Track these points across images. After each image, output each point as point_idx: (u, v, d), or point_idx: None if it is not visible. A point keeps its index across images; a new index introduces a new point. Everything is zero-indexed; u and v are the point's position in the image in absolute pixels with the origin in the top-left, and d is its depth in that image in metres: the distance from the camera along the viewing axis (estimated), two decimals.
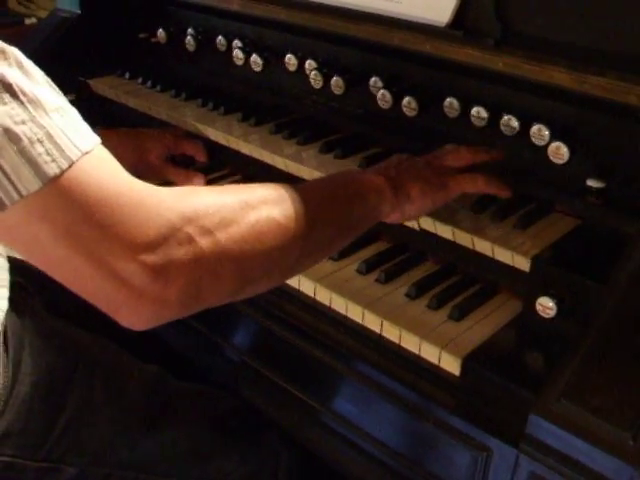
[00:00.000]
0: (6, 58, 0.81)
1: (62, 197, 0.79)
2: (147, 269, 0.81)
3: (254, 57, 1.71)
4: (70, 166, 0.80)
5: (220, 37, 1.81)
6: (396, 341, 1.18)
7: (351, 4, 1.49)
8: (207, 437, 1.41)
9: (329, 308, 1.27)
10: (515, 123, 1.30)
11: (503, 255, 1.19)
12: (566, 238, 1.22)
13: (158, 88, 1.87)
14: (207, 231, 0.86)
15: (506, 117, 1.31)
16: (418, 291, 1.25)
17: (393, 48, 1.45)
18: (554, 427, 0.90)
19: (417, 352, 1.16)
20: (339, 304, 1.26)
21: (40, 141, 0.79)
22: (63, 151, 0.80)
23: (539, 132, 1.27)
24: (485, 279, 1.29)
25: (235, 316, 1.41)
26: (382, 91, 1.48)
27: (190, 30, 1.89)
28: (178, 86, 1.84)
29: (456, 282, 1.30)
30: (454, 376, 1.12)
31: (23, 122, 0.79)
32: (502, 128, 1.32)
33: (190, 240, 0.84)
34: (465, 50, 1.34)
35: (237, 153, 1.58)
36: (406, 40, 1.42)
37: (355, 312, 1.23)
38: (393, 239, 1.41)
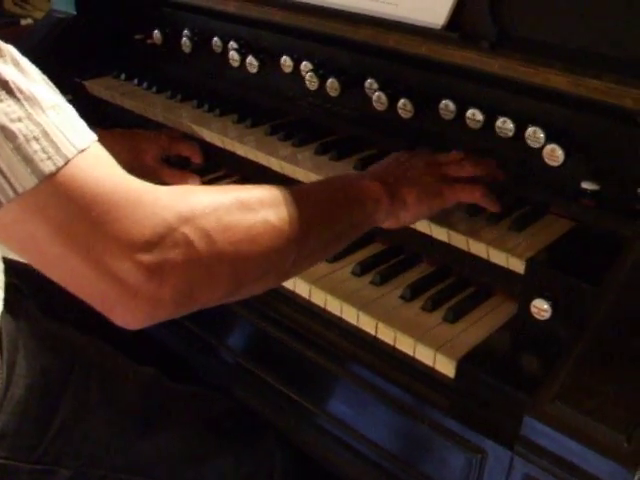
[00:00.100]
0: (2, 55, 0.81)
1: (58, 195, 0.79)
2: (142, 268, 0.81)
3: (250, 59, 1.71)
4: (66, 163, 0.80)
5: (216, 38, 1.81)
6: (391, 343, 1.18)
7: (347, 6, 1.49)
8: (202, 439, 1.40)
9: (324, 310, 1.27)
10: (510, 125, 1.30)
11: (498, 257, 1.19)
12: (561, 240, 1.22)
13: (154, 89, 1.87)
14: (203, 232, 0.86)
15: (501, 119, 1.31)
16: (413, 293, 1.26)
17: (389, 50, 1.45)
18: (548, 429, 0.90)
19: (412, 354, 1.16)
20: (334, 306, 1.26)
21: (36, 138, 0.79)
22: (59, 149, 0.80)
23: (534, 134, 1.27)
24: (480, 281, 1.29)
25: (230, 318, 1.41)
26: (378, 93, 1.48)
27: (186, 31, 1.89)
28: (174, 87, 1.84)
29: (451, 284, 1.31)
30: (449, 378, 1.12)
31: (19, 119, 0.78)
32: (497, 130, 1.32)
33: (186, 240, 0.84)
34: (461, 52, 1.34)
35: (233, 154, 1.59)
36: (402, 42, 1.42)
37: (350, 314, 1.23)
38: (388, 241, 1.41)
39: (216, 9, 1.79)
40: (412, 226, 1.28)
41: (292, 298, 1.31)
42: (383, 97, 1.47)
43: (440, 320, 1.20)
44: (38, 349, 1.24)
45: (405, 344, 1.16)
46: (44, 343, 1.26)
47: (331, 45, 1.60)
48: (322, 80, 1.57)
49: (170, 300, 0.84)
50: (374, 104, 1.49)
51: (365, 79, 1.52)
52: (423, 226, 1.27)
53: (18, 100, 0.79)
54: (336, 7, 1.51)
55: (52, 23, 2.02)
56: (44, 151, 0.79)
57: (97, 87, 1.93)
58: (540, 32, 1.29)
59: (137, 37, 2.06)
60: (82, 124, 0.85)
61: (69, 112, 0.84)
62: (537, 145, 1.27)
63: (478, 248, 1.22)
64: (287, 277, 1.09)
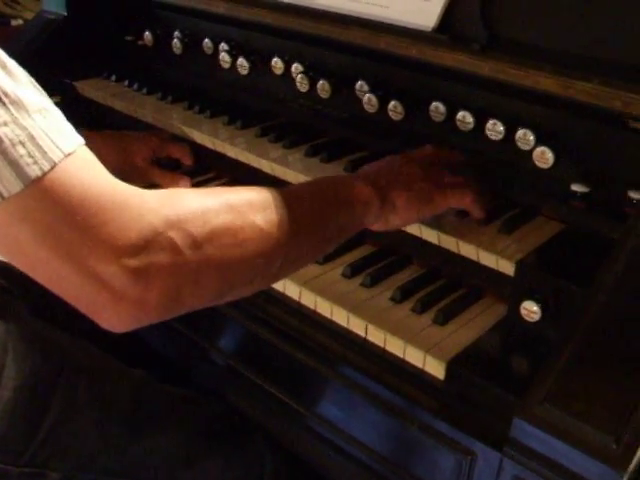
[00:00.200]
0: None
1: (44, 199, 0.79)
2: (128, 272, 0.81)
3: (240, 60, 1.71)
4: (52, 168, 0.79)
5: (207, 40, 1.81)
6: (381, 345, 1.18)
7: (338, 8, 1.50)
8: (192, 441, 1.40)
9: (314, 312, 1.27)
10: (500, 128, 1.31)
11: (488, 259, 1.19)
12: (551, 242, 1.23)
13: (144, 91, 1.87)
14: (190, 236, 0.85)
15: (492, 122, 1.32)
16: (403, 295, 1.25)
17: (379, 52, 1.45)
18: (538, 431, 0.90)
19: (402, 356, 1.16)
20: (324, 308, 1.25)
21: (22, 143, 0.78)
22: (45, 153, 0.79)
23: (524, 137, 1.27)
24: (470, 283, 1.30)
25: (220, 320, 1.41)
26: (368, 95, 1.48)
27: (177, 33, 1.89)
28: (164, 89, 1.84)
29: (441, 286, 1.31)
30: (438, 380, 1.12)
31: (5, 124, 0.78)
32: (488, 133, 1.32)
33: (172, 244, 0.84)
34: (451, 55, 1.35)
35: (223, 156, 1.58)
36: (392, 44, 1.42)
37: (340, 316, 1.23)
38: (378, 243, 1.41)
39: (207, 11, 1.79)
40: (402, 228, 1.28)
41: (282, 300, 1.31)
42: (374, 99, 1.47)
43: (430, 322, 1.20)
44: (27, 351, 1.23)
45: (395, 346, 1.16)
46: (33, 345, 1.25)
47: (322, 47, 1.60)
48: (313, 82, 1.57)
49: (156, 304, 0.84)
50: (365, 106, 1.49)
51: (356, 81, 1.52)
52: (413, 228, 1.27)
53: (4, 104, 0.79)
54: (327, 9, 1.51)
55: (42, 24, 2.01)
56: (30, 155, 0.78)
57: (87, 88, 1.92)
58: (530, 35, 1.30)
59: (128, 38, 2.05)
60: (69, 127, 0.85)
61: (56, 115, 0.84)
62: (527, 147, 1.27)
63: (468, 250, 1.22)
64: (275, 280, 1.09)
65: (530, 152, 1.27)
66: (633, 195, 1.18)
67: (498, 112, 1.33)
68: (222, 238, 0.89)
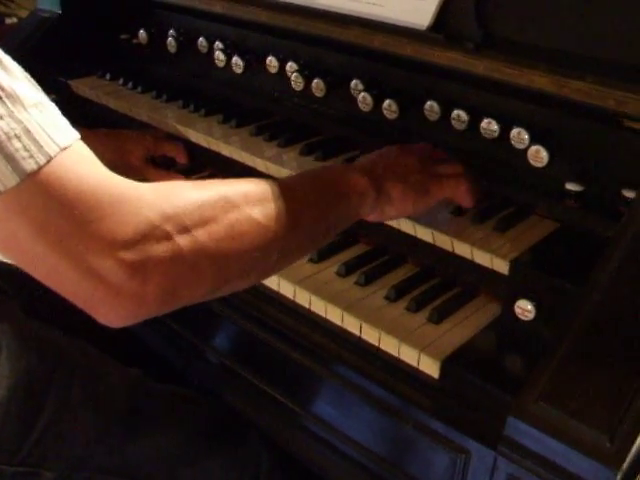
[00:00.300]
0: None
1: (40, 193, 0.79)
2: (125, 266, 0.80)
3: (235, 59, 1.71)
4: (48, 162, 0.79)
5: (201, 39, 1.81)
6: (375, 343, 1.18)
7: (333, 7, 1.49)
8: (188, 440, 1.40)
9: (309, 310, 1.27)
10: (495, 126, 1.31)
11: (482, 258, 1.20)
12: (545, 241, 1.23)
13: (139, 89, 1.86)
14: (186, 229, 0.85)
15: (486, 120, 1.32)
16: (397, 294, 1.25)
17: (374, 51, 1.45)
18: (532, 429, 0.91)
19: (396, 354, 1.16)
20: (318, 306, 1.25)
21: (18, 137, 0.78)
22: (41, 147, 0.79)
23: (519, 135, 1.27)
24: (464, 282, 1.30)
25: (215, 319, 1.41)
26: (363, 94, 1.48)
27: (171, 31, 1.89)
28: (159, 87, 1.84)
29: (435, 285, 1.31)
30: (433, 378, 1.12)
31: (1, 117, 0.78)
32: (482, 131, 1.32)
33: (169, 238, 0.83)
34: (446, 53, 1.34)
35: (218, 155, 1.58)
36: (387, 43, 1.42)
37: (334, 314, 1.23)
38: (373, 242, 1.41)
39: (202, 9, 1.79)
40: (397, 227, 1.29)
41: (277, 299, 1.31)
42: (368, 98, 1.47)
43: (424, 321, 1.20)
44: (21, 350, 1.23)
45: (389, 345, 1.16)
46: (27, 344, 1.25)
47: (317, 46, 1.60)
48: (307, 81, 1.57)
49: (153, 298, 0.84)
50: (359, 105, 1.49)
51: (350, 80, 1.52)
52: (408, 227, 1.27)
53: (0, 98, 0.79)
54: (322, 8, 1.51)
55: (37, 22, 2.01)
56: (26, 149, 0.78)
57: (82, 87, 1.92)
58: (525, 34, 1.30)
59: (122, 37, 2.05)
60: (64, 122, 0.84)
61: (51, 110, 0.84)
62: (522, 146, 1.27)
63: (462, 249, 1.22)
64: (272, 273, 1.09)
65: (524, 151, 1.27)
66: (627, 194, 1.18)
67: (493, 111, 1.33)
68: (218, 231, 0.88)
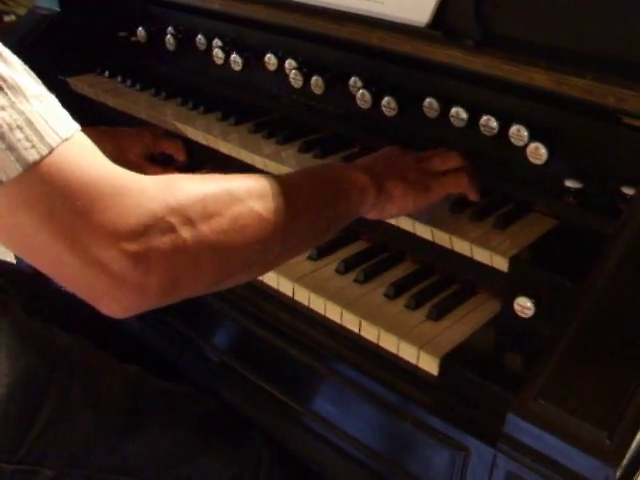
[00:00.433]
0: None
1: (42, 183, 0.79)
2: (128, 257, 0.80)
3: (234, 56, 1.71)
4: (50, 152, 0.79)
5: (200, 36, 1.81)
6: (374, 341, 1.18)
7: (331, 4, 1.49)
8: (187, 438, 1.40)
9: (308, 308, 1.27)
10: (494, 124, 1.31)
11: (481, 255, 1.19)
12: (544, 238, 1.23)
13: (138, 87, 1.86)
14: (189, 221, 0.85)
15: (485, 118, 1.31)
16: (397, 291, 1.26)
17: (373, 48, 1.45)
18: (531, 426, 0.91)
19: (395, 352, 1.16)
20: (318, 304, 1.25)
21: (20, 127, 0.78)
22: (43, 137, 0.79)
23: (518, 133, 1.27)
24: (463, 279, 1.30)
25: (214, 316, 1.41)
26: (362, 91, 1.48)
27: (170, 29, 1.89)
28: (158, 85, 1.84)
29: (434, 282, 1.31)
30: (432, 376, 1.12)
31: (3, 108, 0.78)
32: (481, 128, 1.32)
33: (172, 229, 0.83)
34: (445, 51, 1.34)
35: (216, 152, 1.58)
36: (386, 40, 1.42)
37: (334, 312, 1.23)
38: (372, 239, 1.41)
39: (200, 6, 1.79)
40: (396, 224, 1.29)
41: (276, 296, 1.31)
42: (367, 95, 1.47)
43: (423, 318, 1.20)
44: (20, 349, 1.23)
45: (389, 342, 1.16)
46: (27, 343, 1.25)
47: (315, 43, 1.60)
48: (306, 78, 1.57)
49: (156, 289, 0.84)
50: (358, 102, 1.49)
51: (349, 77, 1.52)
52: (407, 224, 1.27)
53: (1, 89, 0.78)
54: (320, 4, 1.51)
55: (35, 20, 2.01)
56: (28, 140, 0.78)
57: (80, 84, 1.92)
58: (524, 31, 1.30)
59: (121, 34, 2.05)
60: (65, 113, 0.84)
61: (52, 101, 0.84)
62: (521, 143, 1.27)
63: (462, 246, 1.22)
64: (272, 267, 1.09)
65: (524, 148, 1.27)
66: (627, 191, 1.18)
67: (492, 108, 1.32)
68: (221, 223, 0.88)
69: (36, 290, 1.31)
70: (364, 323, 1.19)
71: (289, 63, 1.62)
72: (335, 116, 1.59)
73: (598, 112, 1.21)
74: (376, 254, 1.38)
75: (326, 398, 1.25)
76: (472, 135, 1.35)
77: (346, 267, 1.32)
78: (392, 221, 1.29)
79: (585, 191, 1.24)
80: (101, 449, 1.28)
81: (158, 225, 0.83)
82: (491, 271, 1.20)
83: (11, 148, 0.77)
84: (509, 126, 1.28)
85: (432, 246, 1.27)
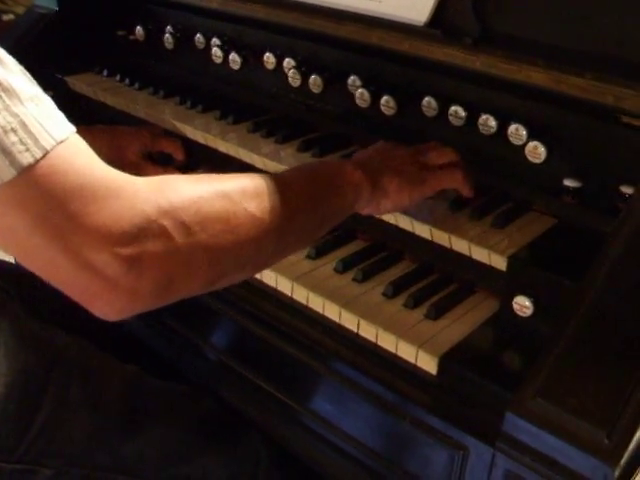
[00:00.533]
0: None
1: (37, 186, 0.78)
2: (121, 260, 0.80)
3: (233, 55, 1.71)
4: (44, 155, 0.78)
5: (199, 35, 1.81)
6: (373, 340, 1.18)
7: (330, 3, 1.49)
8: (186, 437, 1.40)
9: (306, 307, 1.27)
10: (493, 122, 1.31)
11: (480, 254, 1.19)
12: (543, 237, 1.23)
13: (136, 86, 1.86)
14: (182, 223, 0.85)
15: (484, 116, 1.31)
16: (395, 290, 1.25)
17: (372, 47, 1.45)
18: (530, 425, 0.91)
19: (394, 351, 1.16)
20: (316, 303, 1.25)
21: (14, 130, 0.77)
22: (37, 140, 0.78)
23: (517, 131, 1.27)
24: (462, 278, 1.30)
25: (212, 315, 1.41)
26: (360, 90, 1.48)
27: (169, 28, 1.89)
28: (156, 84, 1.83)
29: (433, 281, 1.30)
30: (431, 375, 1.12)
31: None
32: (480, 127, 1.32)
33: (165, 232, 0.83)
34: (443, 49, 1.34)
35: (215, 151, 1.58)
36: (385, 39, 1.42)
37: (332, 311, 1.23)
38: (370, 238, 1.41)
39: (199, 5, 1.79)
40: (394, 222, 1.29)
41: (274, 295, 1.31)
42: (366, 94, 1.47)
43: (422, 317, 1.20)
44: (19, 348, 1.23)
45: (387, 341, 1.16)
46: (25, 342, 1.25)
47: (314, 42, 1.60)
48: (305, 77, 1.57)
49: (149, 291, 0.83)
50: (357, 101, 1.49)
51: (348, 76, 1.52)
52: (405, 223, 1.27)
53: None
54: (319, 4, 1.51)
55: (34, 19, 2.00)
56: (22, 143, 0.77)
57: (79, 83, 1.92)
58: (522, 29, 1.30)
59: (119, 33, 2.05)
60: (60, 115, 0.84)
61: (47, 103, 0.83)
62: (519, 142, 1.27)
63: (460, 245, 1.22)
64: (266, 266, 1.09)
65: (522, 147, 1.27)
66: (625, 190, 1.18)
67: (490, 107, 1.32)
68: (214, 225, 0.88)
69: (35, 290, 1.30)
70: (362, 322, 1.19)
71: (288, 62, 1.62)
72: (334, 115, 1.59)
73: (597, 111, 1.21)
74: (374, 253, 1.38)
75: (325, 397, 1.25)
76: (471, 134, 1.35)
77: (344, 266, 1.32)
78: (390, 219, 1.29)
79: (584, 190, 1.24)
80: (100, 448, 1.28)
81: (151, 228, 0.82)
82: (490, 270, 1.20)
83: (5, 151, 0.77)
84: (508, 125, 1.28)
85: (431, 245, 1.26)
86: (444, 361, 1.11)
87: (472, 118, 1.34)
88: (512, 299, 1.13)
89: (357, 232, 1.42)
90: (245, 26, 1.74)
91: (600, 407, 0.88)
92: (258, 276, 1.31)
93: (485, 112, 1.31)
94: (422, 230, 1.26)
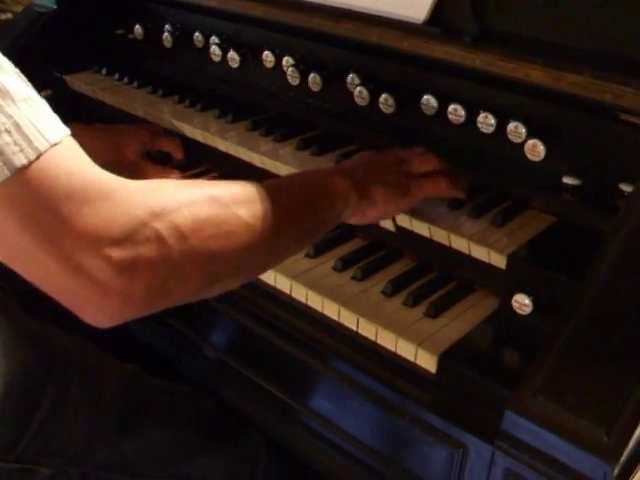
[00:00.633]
0: None
1: (29, 188, 0.78)
2: (112, 264, 0.79)
3: (231, 54, 1.70)
4: (38, 157, 0.78)
5: (197, 33, 1.80)
6: (372, 338, 1.18)
7: (329, 1, 1.49)
8: (186, 436, 1.40)
9: (305, 305, 1.27)
10: (492, 120, 1.31)
11: (479, 252, 1.19)
12: (542, 235, 1.23)
13: (135, 84, 1.86)
14: (175, 227, 0.84)
15: (483, 114, 1.31)
16: (394, 288, 1.25)
17: (370, 45, 1.45)
18: (529, 424, 0.91)
19: (393, 349, 1.16)
20: (315, 301, 1.25)
21: (8, 131, 0.77)
22: (31, 142, 0.78)
23: (516, 129, 1.27)
24: (461, 276, 1.29)
25: (212, 314, 1.41)
26: (359, 88, 1.48)
27: (167, 26, 1.88)
28: (155, 82, 1.83)
29: (432, 279, 1.30)
30: (430, 373, 1.12)
31: None
32: (479, 125, 1.32)
33: (157, 236, 0.83)
34: (442, 47, 1.34)
35: (214, 150, 1.58)
36: (383, 37, 1.42)
37: (331, 309, 1.23)
38: (369, 236, 1.41)
39: (198, 4, 1.79)
40: (392, 226, 1.29)
41: (273, 294, 1.31)
42: (365, 92, 1.47)
43: (421, 315, 1.20)
44: (18, 347, 1.23)
45: (386, 339, 1.16)
46: (24, 342, 1.25)
47: (313, 40, 1.60)
48: (304, 75, 1.57)
49: (141, 297, 0.83)
50: (356, 99, 1.49)
51: (347, 74, 1.52)
52: (404, 221, 1.27)
53: None
54: (318, 2, 1.50)
55: (32, 17, 2.00)
56: (16, 144, 0.77)
57: (78, 82, 1.92)
58: (521, 27, 1.29)
59: (118, 32, 2.05)
60: (55, 118, 0.84)
61: (42, 105, 0.83)
62: (518, 140, 1.27)
63: (459, 243, 1.22)
64: (259, 273, 1.09)
65: (521, 145, 1.27)
66: (624, 188, 1.18)
67: (489, 105, 1.32)
68: (207, 230, 0.88)
69: (34, 289, 1.30)
70: (362, 320, 1.19)
71: (286, 60, 1.62)
72: (333, 113, 1.59)
73: (596, 109, 1.21)
74: (374, 251, 1.37)
75: (324, 396, 1.25)
76: (470, 132, 1.35)
77: (344, 264, 1.32)
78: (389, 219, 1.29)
79: (583, 188, 1.24)
80: (99, 448, 1.28)
81: (143, 232, 0.82)
82: (489, 268, 1.20)
83: None
84: (507, 123, 1.28)
85: (430, 243, 1.26)
86: (443, 359, 1.11)
87: (471, 116, 1.34)
88: (511, 297, 1.13)
89: (356, 230, 1.42)
90: (244, 24, 1.74)
91: (599, 405, 0.88)
92: None
93: (484, 110, 1.31)
94: (421, 228, 1.26)
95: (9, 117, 0.78)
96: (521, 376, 0.95)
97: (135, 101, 1.77)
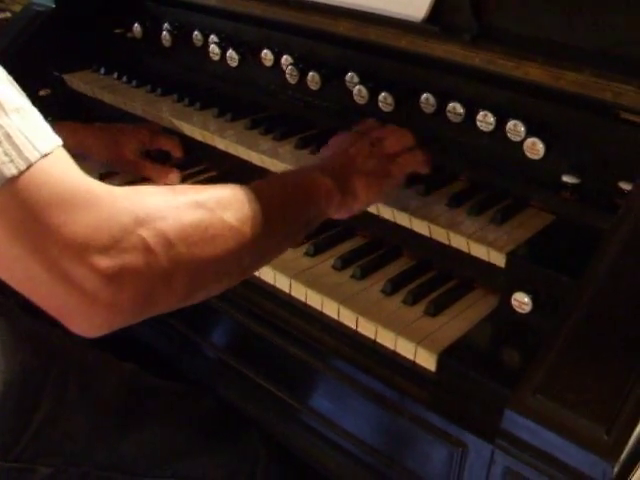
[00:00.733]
0: None
1: (18, 198, 0.77)
2: (99, 274, 0.79)
3: (230, 52, 1.70)
4: (28, 167, 0.77)
5: (196, 32, 1.80)
6: (372, 337, 1.18)
7: None
8: (185, 436, 1.40)
9: (305, 304, 1.27)
10: (491, 119, 1.30)
11: (478, 251, 1.19)
12: (541, 233, 1.23)
13: (134, 83, 1.86)
14: (161, 235, 0.84)
15: (482, 113, 1.31)
16: (394, 287, 1.25)
17: (369, 43, 1.45)
18: (529, 422, 0.90)
19: (393, 348, 1.15)
20: (315, 300, 1.25)
21: None
22: (21, 152, 0.77)
23: (515, 128, 1.27)
24: (461, 275, 1.29)
25: (211, 313, 1.41)
26: (358, 86, 1.48)
27: (166, 25, 1.88)
28: (154, 81, 1.83)
29: (432, 278, 1.30)
30: (430, 372, 1.12)
31: None
32: (478, 124, 1.32)
33: (143, 244, 0.82)
34: (441, 46, 1.34)
35: (213, 149, 1.58)
36: (382, 35, 1.42)
37: (331, 308, 1.23)
38: (369, 235, 1.41)
39: (196, 3, 1.79)
40: (392, 219, 1.28)
41: (272, 292, 1.31)
42: (364, 90, 1.47)
43: (421, 314, 1.20)
44: (17, 346, 1.23)
45: (386, 338, 1.16)
46: (23, 340, 1.25)
47: (312, 39, 1.60)
48: (303, 74, 1.57)
49: (128, 306, 0.82)
50: (355, 98, 1.49)
51: (346, 72, 1.52)
52: (403, 219, 1.27)
53: None
54: (317, 0, 1.50)
55: (30, 16, 2.00)
56: (6, 154, 0.76)
57: (76, 81, 1.91)
58: (521, 25, 1.29)
59: (117, 31, 2.04)
60: (46, 128, 0.83)
61: (33, 115, 0.82)
62: (518, 138, 1.27)
63: (459, 241, 1.22)
64: (244, 276, 1.07)
65: (521, 143, 1.27)
66: (624, 186, 1.18)
67: (489, 103, 1.32)
68: (193, 235, 0.87)
69: None
70: (361, 319, 1.19)
71: (285, 59, 1.62)
72: (332, 112, 1.59)
73: (595, 107, 1.21)
74: (373, 250, 1.37)
75: (323, 395, 1.25)
76: (469, 130, 1.35)
77: (343, 263, 1.32)
78: (389, 216, 1.29)
79: (582, 186, 1.24)
80: (98, 447, 1.28)
81: (129, 239, 0.81)
82: (488, 266, 1.19)
83: None
84: (506, 121, 1.28)
85: (429, 242, 1.26)
86: (443, 358, 1.11)
87: (470, 114, 1.34)
88: (511, 295, 1.12)
89: (355, 229, 1.42)
90: (242, 23, 1.74)
91: (599, 404, 0.88)
92: (257, 273, 1.30)
93: (483, 108, 1.31)
94: (420, 226, 1.26)
95: (0, 127, 0.77)
96: (521, 375, 0.95)
97: (134, 100, 1.77)
